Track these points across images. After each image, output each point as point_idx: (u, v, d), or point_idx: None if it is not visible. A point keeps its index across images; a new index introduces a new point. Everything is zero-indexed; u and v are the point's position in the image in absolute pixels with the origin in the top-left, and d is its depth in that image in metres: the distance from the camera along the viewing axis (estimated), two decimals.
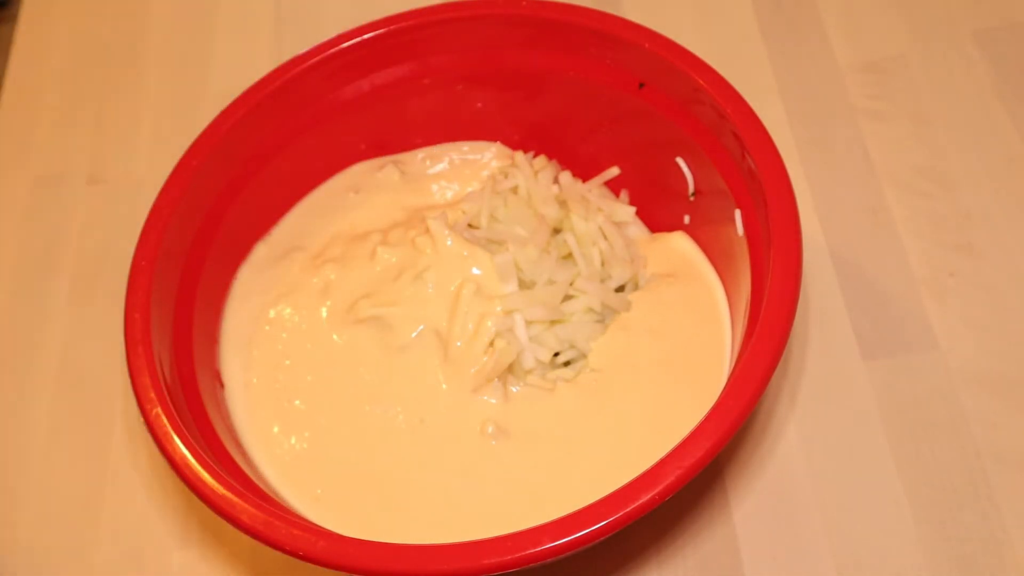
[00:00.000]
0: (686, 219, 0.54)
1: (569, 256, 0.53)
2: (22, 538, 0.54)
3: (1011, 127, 0.59)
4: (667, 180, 0.53)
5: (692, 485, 0.40)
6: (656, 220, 0.55)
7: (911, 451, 0.50)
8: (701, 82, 0.49)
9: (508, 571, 0.39)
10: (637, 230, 0.55)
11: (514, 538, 0.39)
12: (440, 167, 0.59)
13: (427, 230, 0.52)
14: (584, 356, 0.50)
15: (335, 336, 0.52)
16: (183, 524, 0.53)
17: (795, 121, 0.61)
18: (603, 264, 0.52)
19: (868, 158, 0.59)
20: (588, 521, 0.39)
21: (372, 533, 0.41)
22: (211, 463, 0.43)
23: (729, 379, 0.41)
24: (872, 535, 0.48)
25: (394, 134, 0.59)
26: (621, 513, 0.39)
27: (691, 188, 0.52)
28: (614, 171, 0.56)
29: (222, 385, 0.52)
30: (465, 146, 0.59)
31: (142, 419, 0.45)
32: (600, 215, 0.53)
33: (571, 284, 0.51)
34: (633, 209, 0.55)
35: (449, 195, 0.58)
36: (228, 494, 0.42)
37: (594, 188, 0.55)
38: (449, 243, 0.51)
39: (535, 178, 0.55)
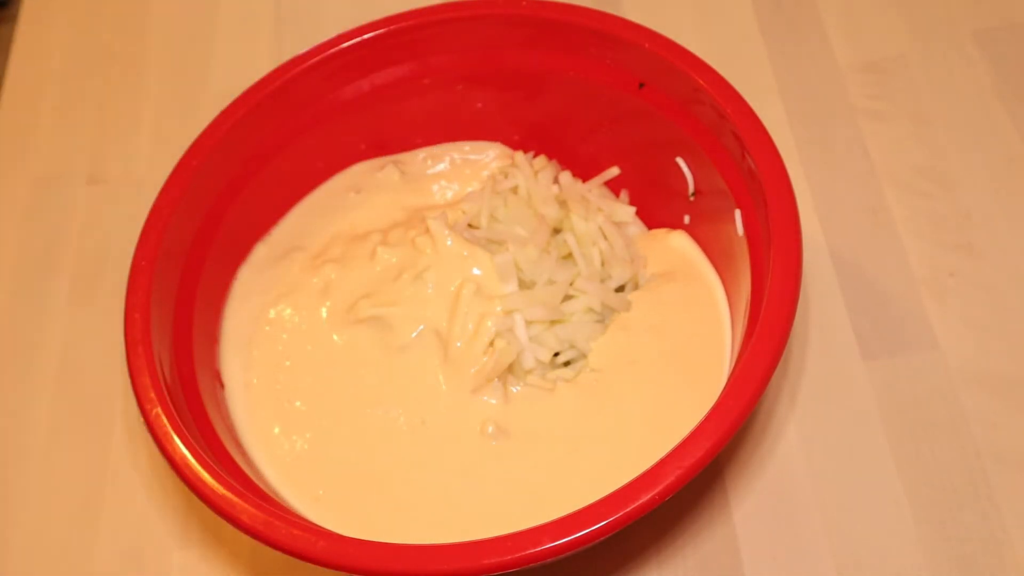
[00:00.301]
0: (686, 219, 0.54)
1: (569, 256, 0.53)
2: (22, 538, 0.54)
3: (1011, 127, 0.59)
4: (667, 180, 0.53)
5: (692, 485, 0.40)
6: (656, 220, 0.55)
7: (911, 451, 0.50)
8: (701, 82, 0.49)
9: (508, 571, 0.39)
10: (637, 230, 0.55)
11: (514, 538, 0.39)
12: (440, 167, 0.59)
13: (427, 230, 0.52)
14: (584, 356, 0.50)
15: (335, 336, 0.52)
16: (183, 524, 0.53)
17: (795, 121, 0.61)
18: (603, 264, 0.52)
19: (868, 158, 0.59)
20: (588, 521, 0.39)
21: (372, 533, 0.41)
22: (211, 463, 0.43)
23: (729, 379, 0.41)
24: (872, 535, 0.48)
25: (394, 134, 0.59)
26: (621, 513, 0.39)
27: (691, 188, 0.52)
28: (614, 171, 0.56)
29: (222, 385, 0.52)
30: (467, 146, 0.59)
31: (142, 419, 0.45)
32: (600, 215, 0.53)
33: (571, 284, 0.51)
34: (633, 209, 0.55)
35: (449, 195, 0.58)
36: (228, 494, 0.42)
37: (594, 188, 0.55)
38: (449, 243, 0.51)
39: (535, 178, 0.55)
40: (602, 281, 0.52)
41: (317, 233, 0.57)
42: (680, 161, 0.52)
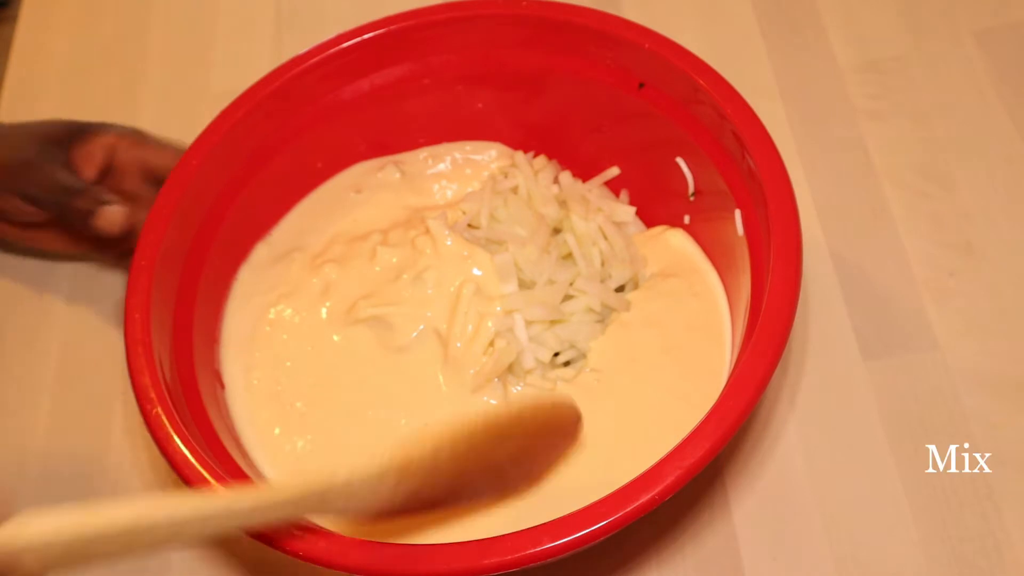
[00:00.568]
0: (686, 219, 0.54)
1: (569, 256, 0.53)
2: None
3: (1011, 127, 0.59)
4: (667, 180, 0.53)
5: (692, 485, 0.40)
6: (656, 220, 0.55)
7: (911, 451, 0.50)
8: (701, 82, 0.49)
9: (508, 571, 0.39)
10: (637, 230, 0.55)
11: (514, 538, 0.39)
12: (441, 167, 0.59)
13: (427, 230, 0.52)
14: (584, 356, 0.50)
15: (335, 336, 0.52)
16: None
17: (795, 121, 0.61)
18: (603, 264, 0.52)
19: (868, 158, 0.59)
20: (588, 521, 0.39)
21: (372, 533, 0.41)
22: (211, 463, 0.43)
23: (729, 379, 0.41)
24: (872, 535, 0.48)
25: (394, 134, 0.59)
26: (621, 513, 0.39)
27: (691, 188, 0.52)
28: (614, 171, 0.56)
29: (222, 385, 0.52)
30: (467, 146, 0.59)
31: (142, 419, 0.45)
32: (600, 215, 0.53)
33: (571, 284, 0.51)
34: (633, 209, 0.55)
35: (449, 195, 0.58)
36: None
37: (594, 188, 0.55)
38: (449, 243, 0.51)
39: (535, 178, 0.55)
40: (602, 281, 0.52)
41: (317, 233, 0.57)
42: (680, 161, 0.52)
